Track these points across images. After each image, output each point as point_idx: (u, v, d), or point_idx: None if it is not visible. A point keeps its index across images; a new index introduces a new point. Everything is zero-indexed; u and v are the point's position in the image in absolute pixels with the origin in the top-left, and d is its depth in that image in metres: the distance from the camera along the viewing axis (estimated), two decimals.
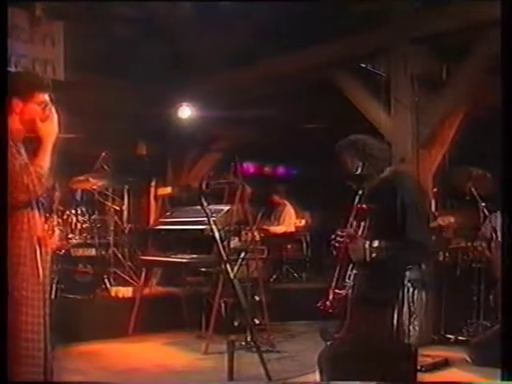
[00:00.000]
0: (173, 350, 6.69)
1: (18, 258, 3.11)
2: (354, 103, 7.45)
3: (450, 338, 6.74)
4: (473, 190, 7.05)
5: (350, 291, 3.67)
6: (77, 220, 7.80)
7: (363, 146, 3.72)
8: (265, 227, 9.33)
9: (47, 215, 3.30)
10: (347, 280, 3.66)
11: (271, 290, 7.77)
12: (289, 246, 10.27)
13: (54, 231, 3.33)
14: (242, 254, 6.91)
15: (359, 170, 3.68)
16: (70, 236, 7.62)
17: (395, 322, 3.53)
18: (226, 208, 6.98)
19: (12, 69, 6.49)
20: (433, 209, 7.17)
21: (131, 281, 7.96)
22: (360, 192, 3.73)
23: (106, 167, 8.17)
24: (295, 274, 9.92)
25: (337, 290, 3.67)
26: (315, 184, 10.77)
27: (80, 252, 7.92)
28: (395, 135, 7.05)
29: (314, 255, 10.39)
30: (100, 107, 8.09)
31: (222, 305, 6.55)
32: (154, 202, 9.90)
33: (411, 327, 3.55)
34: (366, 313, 3.64)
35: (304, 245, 10.53)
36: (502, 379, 3.20)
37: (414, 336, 3.57)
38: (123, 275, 8.07)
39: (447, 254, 7.23)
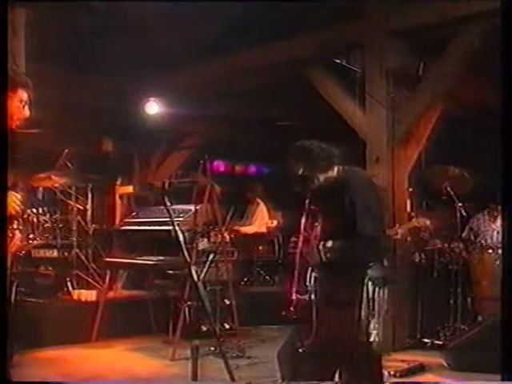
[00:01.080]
0: (138, 356, 6.62)
1: None
2: (327, 100, 7.42)
3: (426, 342, 6.76)
4: (449, 189, 7.09)
5: (313, 295, 3.73)
6: (38, 220, 7.70)
7: (302, 148, 3.83)
8: (235, 228, 9.28)
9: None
10: (308, 284, 3.75)
11: (242, 294, 7.73)
12: (260, 248, 10.22)
13: (14, 234, 3.27)
14: (211, 256, 6.86)
15: (300, 172, 3.78)
16: (31, 236, 7.52)
17: (356, 321, 3.60)
18: (194, 208, 6.91)
19: None
20: (408, 209, 7.19)
21: (95, 284, 7.87)
22: (309, 194, 3.85)
23: (69, 164, 8.09)
24: (267, 277, 9.89)
25: (299, 296, 3.73)
26: (288, 184, 10.72)
27: (41, 253, 7.84)
28: (370, 133, 7.04)
29: (286, 257, 10.35)
30: (63, 101, 7.96)
31: (187, 309, 6.48)
32: (120, 202, 9.80)
33: (372, 325, 3.61)
34: (331, 315, 3.69)
35: (276, 246, 10.48)
36: (502, 380, 3.24)
37: (376, 334, 3.63)
38: (87, 278, 7.98)
39: (423, 256, 7.26)
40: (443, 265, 7.14)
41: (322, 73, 7.48)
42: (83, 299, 7.53)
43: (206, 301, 3.27)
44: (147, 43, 7.93)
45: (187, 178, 7.27)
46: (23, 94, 3.27)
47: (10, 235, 3.22)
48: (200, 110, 8.80)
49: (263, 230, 10.04)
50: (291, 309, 3.73)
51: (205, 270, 6.64)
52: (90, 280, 7.96)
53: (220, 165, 12.01)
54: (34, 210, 7.68)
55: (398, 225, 6.49)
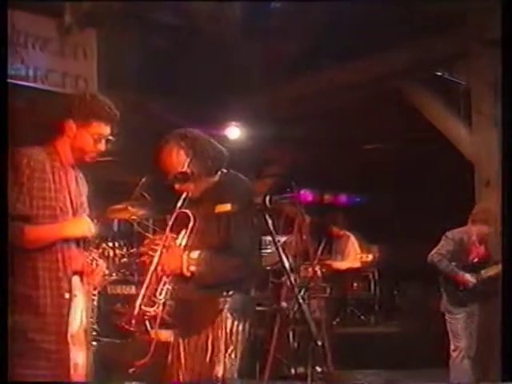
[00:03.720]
0: None
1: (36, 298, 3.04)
2: (427, 118, 7.29)
3: None
4: None
5: (160, 310, 3.56)
6: (114, 254, 7.77)
7: (193, 141, 3.59)
8: (327, 262, 9.16)
9: (85, 248, 3.27)
10: (158, 296, 3.53)
11: (334, 334, 7.56)
12: (354, 284, 10.08)
13: (96, 264, 3.29)
14: (302, 292, 6.75)
15: (185, 167, 3.53)
16: (107, 272, 7.57)
17: (208, 352, 3.46)
18: (283, 239, 6.83)
19: (39, 85, 6.51)
20: None
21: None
22: (184, 195, 3.54)
23: (146, 195, 8.13)
24: (361, 317, 9.70)
25: (144, 307, 3.55)
26: (383, 213, 10.55)
27: (118, 290, 7.87)
28: (478, 154, 6.88)
29: (383, 295, 10.18)
30: (139, 127, 8.06)
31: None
32: None
33: (223, 359, 3.45)
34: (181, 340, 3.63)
35: (372, 283, 10.30)
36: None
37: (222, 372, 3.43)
38: (166, 316, 7.95)
39: None
40: None
41: (421, 87, 7.37)
42: (163, 339, 7.50)
43: (312, 323, 3.10)
44: (228, 61, 7.97)
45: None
46: (102, 128, 3.21)
47: (93, 265, 3.24)
48: (284, 134, 8.76)
49: (357, 265, 9.85)
50: (132, 321, 3.58)
51: (295, 306, 6.54)
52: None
53: (307, 194, 11.90)
54: (110, 244, 7.77)
55: None
